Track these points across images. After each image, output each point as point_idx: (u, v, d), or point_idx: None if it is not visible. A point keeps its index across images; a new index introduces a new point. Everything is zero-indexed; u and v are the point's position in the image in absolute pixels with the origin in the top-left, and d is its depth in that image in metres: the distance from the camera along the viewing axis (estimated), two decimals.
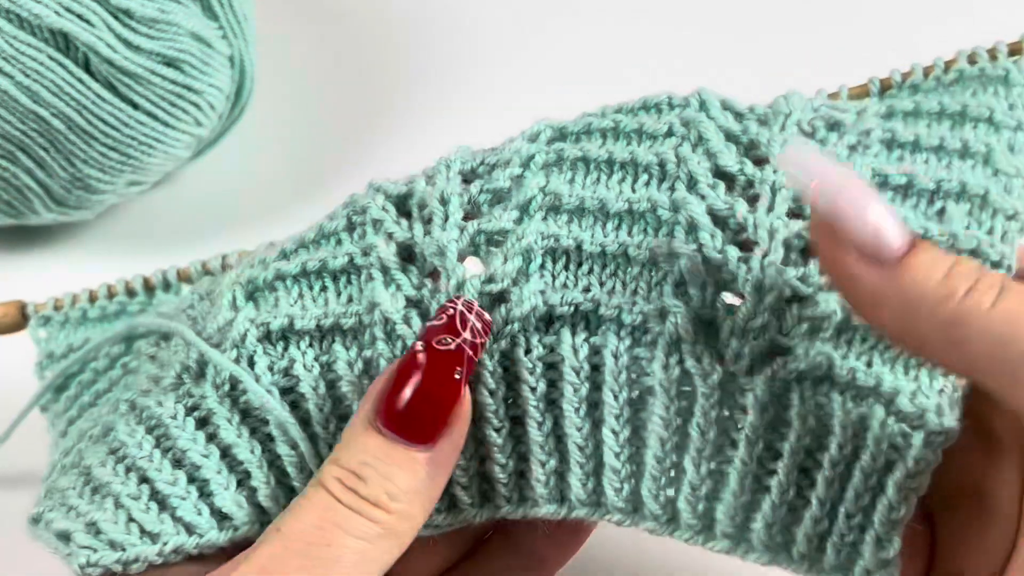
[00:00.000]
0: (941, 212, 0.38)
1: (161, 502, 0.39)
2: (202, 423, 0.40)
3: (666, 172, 0.39)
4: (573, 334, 0.39)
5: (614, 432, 0.39)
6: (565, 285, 0.39)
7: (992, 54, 0.42)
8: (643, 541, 0.47)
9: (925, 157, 0.40)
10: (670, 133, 0.40)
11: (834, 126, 0.40)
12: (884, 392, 0.36)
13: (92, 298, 0.49)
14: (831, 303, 0.37)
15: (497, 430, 0.40)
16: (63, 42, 0.55)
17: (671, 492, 0.39)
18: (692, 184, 0.39)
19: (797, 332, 0.37)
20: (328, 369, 0.40)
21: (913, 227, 0.38)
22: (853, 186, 0.34)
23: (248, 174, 0.67)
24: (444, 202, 0.40)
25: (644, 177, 0.40)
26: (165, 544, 0.39)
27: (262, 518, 0.40)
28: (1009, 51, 0.42)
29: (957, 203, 0.38)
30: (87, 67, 0.55)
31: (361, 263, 0.41)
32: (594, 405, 0.39)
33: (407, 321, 0.39)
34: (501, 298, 0.39)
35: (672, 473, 0.39)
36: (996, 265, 0.37)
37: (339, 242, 0.42)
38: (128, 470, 0.39)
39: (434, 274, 0.40)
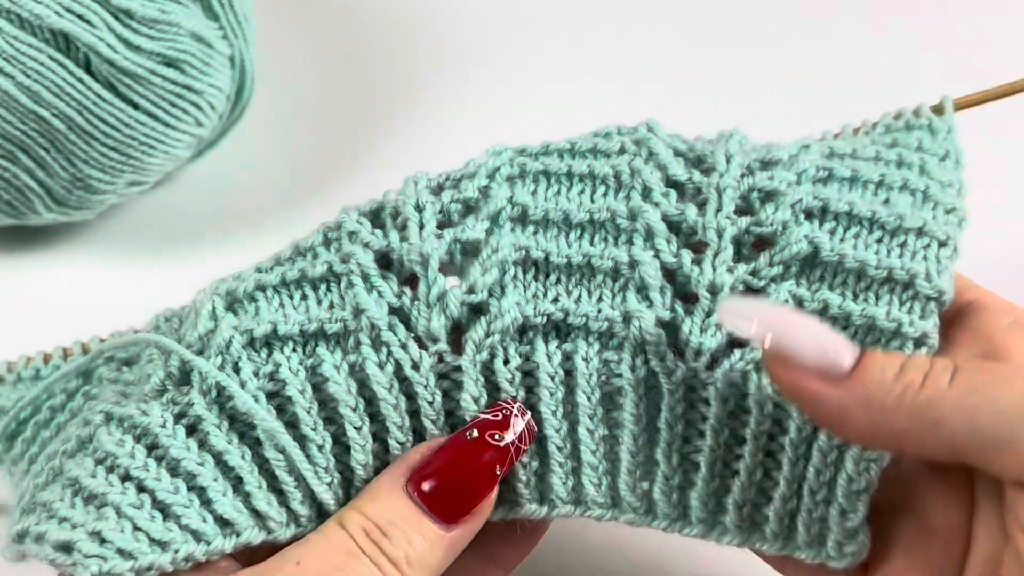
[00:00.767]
0: (886, 202, 0.41)
1: (164, 511, 0.39)
2: (191, 430, 0.40)
3: (621, 183, 0.42)
4: (546, 343, 0.41)
5: (589, 431, 0.41)
6: (536, 296, 0.41)
7: (916, 112, 0.46)
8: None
9: (865, 164, 0.43)
10: (623, 150, 0.43)
11: (768, 164, 0.43)
12: None
13: (46, 359, 0.48)
14: (782, 292, 0.40)
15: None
16: (64, 42, 0.55)
17: (646, 485, 0.42)
18: (646, 193, 0.42)
19: None
20: (313, 373, 0.41)
21: (861, 209, 0.40)
22: (793, 317, 0.37)
23: (248, 174, 0.67)
24: (419, 209, 0.42)
25: (602, 188, 0.42)
26: (177, 552, 0.38)
27: (259, 522, 0.41)
28: (932, 111, 0.46)
29: (900, 193, 0.41)
30: (88, 67, 0.55)
31: (340, 270, 0.42)
32: (570, 407, 0.42)
33: (392, 328, 0.41)
34: (479, 309, 0.41)
35: (646, 466, 0.42)
36: (943, 245, 0.40)
37: (316, 255, 0.43)
38: (124, 479, 0.39)
39: (411, 281, 0.42)
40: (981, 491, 0.38)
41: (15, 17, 0.54)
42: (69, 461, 0.41)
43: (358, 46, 0.73)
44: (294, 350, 0.41)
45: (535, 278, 0.42)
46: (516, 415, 0.41)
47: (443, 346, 0.41)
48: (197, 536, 0.39)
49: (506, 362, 0.41)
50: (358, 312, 0.41)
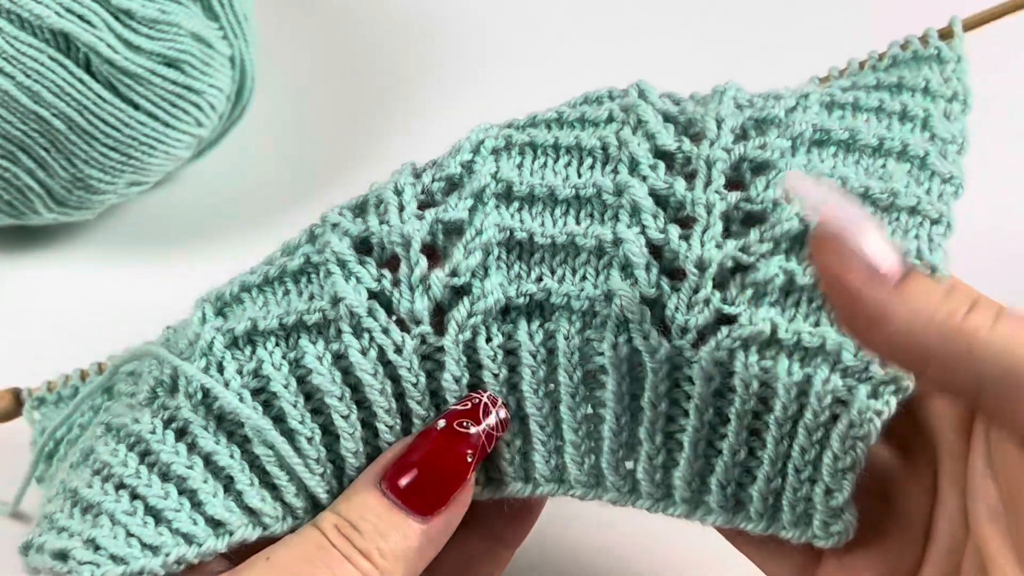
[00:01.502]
0: (883, 167, 0.40)
1: (156, 516, 0.39)
2: (180, 434, 0.40)
3: (608, 155, 0.41)
4: (528, 322, 0.41)
5: (571, 410, 0.41)
6: (519, 276, 0.41)
7: (923, 40, 0.44)
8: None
9: (866, 117, 0.42)
10: (610, 119, 0.42)
11: (762, 123, 0.42)
12: (830, 350, 0.38)
13: (83, 376, 0.49)
14: (772, 267, 0.39)
15: None
16: (64, 43, 0.55)
17: (630, 464, 0.42)
18: (633, 166, 0.41)
19: (742, 300, 0.39)
20: (297, 365, 0.41)
21: (854, 185, 0.40)
22: (856, 212, 0.35)
23: (249, 174, 0.67)
24: (398, 192, 0.42)
25: (588, 161, 0.42)
26: (168, 555, 0.39)
27: (253, 519, 0.41)
28: (940, 36, 0.44)
29: (898, 162, 0.40)
30: (88, 68, 0.55)
31: (317, 260, 0.42)
32: (552, 386, 0.41)
33: (372, 314, 0.41)
34: (461, 291, 0.41)
35: (629, 446, 0.41)
36: (935, 223, 0.39)
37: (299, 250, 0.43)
38: (118, 488, 0.40)
39: (391, 263, 0.41)
40: (946, 481, 0.38)
41: (15, 17, 0.54)
42: (72, 472, 0.41)
43: (358, 46, 0.73)
44: (277, 345, 0.41)
45: (519, 258, 0.41)
46: (487, 403, 0.41)
47: (426, 328, 0.41)
48: (188, 539, 0.39)
49: (488, 340, 0.41)
50: (336, 300, 0.41)
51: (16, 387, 0.50)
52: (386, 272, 0.41)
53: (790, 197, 0.39)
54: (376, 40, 0.74)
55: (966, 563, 0.37)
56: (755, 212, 0.40)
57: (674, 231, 0.40)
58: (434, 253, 0.42)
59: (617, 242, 0.40)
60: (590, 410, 0.41)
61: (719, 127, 0.41)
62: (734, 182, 0.41)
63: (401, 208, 0.42)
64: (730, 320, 0.39)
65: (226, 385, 0.40)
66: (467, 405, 0.41)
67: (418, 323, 0.41)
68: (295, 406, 0.41)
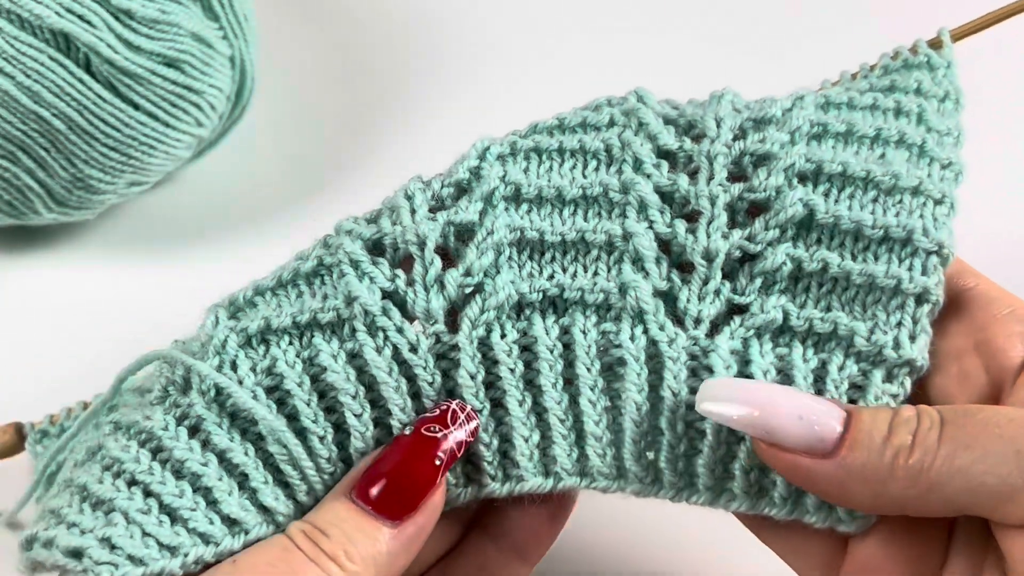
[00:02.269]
0: (882, 156, 0.41)
1: (171, 514, 0.39)
2: (194, 431, 0.40)
3: (612, 156, 0.42)
4: (544, 318, 0.42)
5: (591, 402, 0.41)
6: (531, 274, 0.42)
7: (913, 49, 0.46)
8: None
9: (861, 115, 0.43)
10: (612, 123, 0.43)
11: (761, 122, 0.42)
12: (842, 335, 0.39)
13: (85, 407, 0.48)
14: (779, 255, 0.40)
15: (479, 411, 0.41)
16: (64, 43, 0.55)
17: (651, 454, 0.42)
18: (638, 165, 0.42)
19: (752, 289, 0.40)
20: (311, 363, 0.41)
21: (855, 170, 0.40)
22: (773, 395, 0.37)
23: (249, 174, 0.67)
24: (409, 197, 0.43)
25: (593, 163, 0.43)
26: (186, 556, 0.39)
27: (267, 517, 0.41)
28: (929, 45, 0.46)
29: (896, 149, 0.41)
30: (88, 68, 0.55)
31: (330, 261, 0.42)
32: (570, 380, 0.42)
33: (386, 313, 0.41)
34: (475, 290, 0.42)
35: (650, 436, 0.41)
36: (938, 203, 0.40)
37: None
38: (130, 484, 0.39)
39: (405, 263, 0.42)
40: None
41: (15, 17, 0.54)
42: (79, 469, 0.41)
43: (358, 46, 0.73)
44: (291, 343, 0.41)
45: (530, 257, 0.42)
46: (455, 409, 0.41)
47: (440, 327, 0.41)
48: (206, 538, 0.39)
49: (503, 336, 0.41)
50: (350, 300, 0.41)
51: (18, 422, 0.49)
52: (400, 272, 0.42)
53: (706, 415, 0.39)
54: (376, 40, 0.74)
55: (988, 561, 0.37)
56: (759, 201, 0.41)
57: (681, 225, 0.41)
58: (446, 255, 0.42)
59: (627, 236, 0.41)
60: (609, 402, 0.41)
61: (719, 126, 0.42)
62: (736, 176, 0.42)
63: (413, 211, 0.42)
64: (742, 309, 0.40)
65: (240, 383, 0.40)
66: (436, 411, 0.41)
67: (433, 322, 0.41)
68: (308, 404, 0.41)
